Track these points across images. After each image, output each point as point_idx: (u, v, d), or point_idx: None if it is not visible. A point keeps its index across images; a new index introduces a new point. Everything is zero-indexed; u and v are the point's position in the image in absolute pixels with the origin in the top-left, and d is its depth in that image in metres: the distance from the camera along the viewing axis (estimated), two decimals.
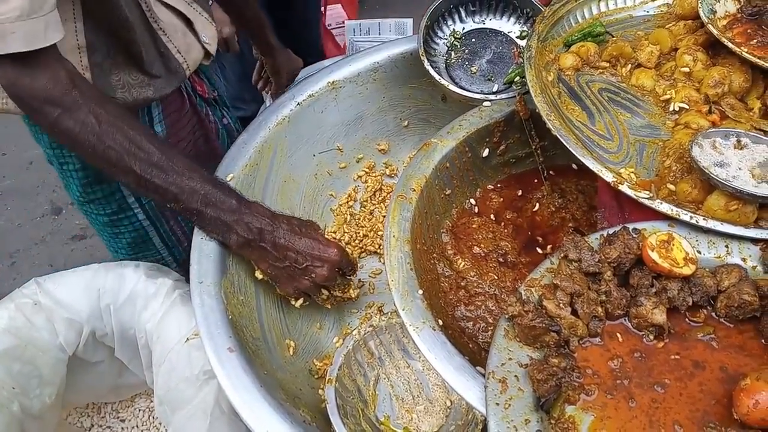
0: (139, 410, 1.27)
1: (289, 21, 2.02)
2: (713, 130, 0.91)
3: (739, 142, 0.89)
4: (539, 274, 0.83)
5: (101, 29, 0.98)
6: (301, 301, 1.05)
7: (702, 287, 0.79)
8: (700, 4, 1.04)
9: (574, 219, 1.13)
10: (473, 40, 1.25)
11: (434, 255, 1.06)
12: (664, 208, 0.85)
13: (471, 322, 1.01)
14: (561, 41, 1.13)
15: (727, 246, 0.84)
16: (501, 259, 1.09)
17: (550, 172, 1.17)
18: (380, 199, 1.33)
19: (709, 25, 1.01)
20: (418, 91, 1.34)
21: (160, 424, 1.26)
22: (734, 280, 0.79)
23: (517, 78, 1.16)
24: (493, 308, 1.02)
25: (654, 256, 0.80)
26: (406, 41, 1.32)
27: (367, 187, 1.33)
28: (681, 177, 0.90)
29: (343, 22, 2.20)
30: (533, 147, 1.13)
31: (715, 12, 1.05)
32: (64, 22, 0.92)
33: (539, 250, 1.10)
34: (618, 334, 0.79)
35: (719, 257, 0.84)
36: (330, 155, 1.31)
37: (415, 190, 1.01)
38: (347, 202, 1.32)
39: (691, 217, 0.84)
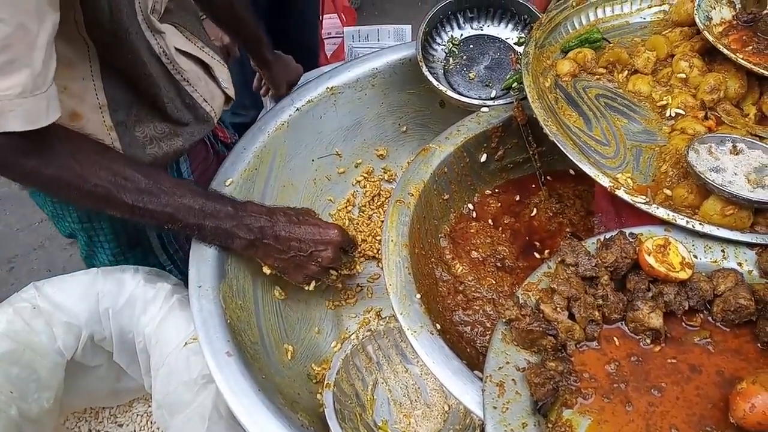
0: (137, 415, 1.27)
1: (288, 29, 2.04)
2: (709, 135, 0.91)
3: (734, 147, 0.89)
4: (536, 279, 0.84)
5: (121, 85, 0.96)
6: (313, 284, 1.06)
7: (698, 291, 0.80)
8: (696, 11, 1.05)
9: (571, 224, 1.14)
10: (471, 46, 1.26)
11: (432, 260, 1.07)
12: (661, 213, 0.86)
13: (469, 327, 1.01)
14: (558, 47, 1.14)
15: (723, 250, 0.85)
16: (499, 264, 1.09)
17: (548, 178, 1.18)
18: (378, 204, 1.33)
19: (705, 32, 1.02)
20: (416, 97, 1.35)
21: (158, 428, 1.25)
22: (730, 285, 0.80)
23: (515, 84, 1.16)
24: (491, 313, 1.02)
25: (650, 260, 0.80)
26: (404, 47, 1.33)
27: (366, 192, 1.34)
28: (677, 182, 0.91)
29: (338, 33, 2.22)
30: (531, 152, 1.14)
31: (711, 19, 1.06)
32: (82, 80, 0.92)
33: (537, 255, 1.10)
34: (615, 338, 0.80)
35: (715, 262, 0.84)
36: (329, 160, 1.32)
37: (413, 195, 1.01)
38: (346, 207, 1.33)
39: (687, 222, 0.85)
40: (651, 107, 1.04)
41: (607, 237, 0.85)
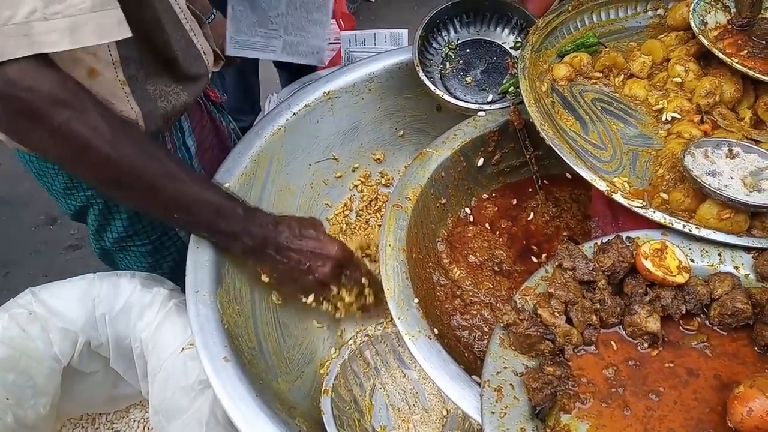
0: (134, 421, 1.27)
1: None
2: (705, 139, 0.92)
3: (730, 151, 0.90)
4: (534, 283, 0.84)
5: (133, 40, 0.94)
6: (312, 297, 1.05)
7: (695, 295, 0.80)
8: (691, 15, 1.05)
9: (568, 228, 1.14)
10: (468, 50, 1.26)
11: (430, 264, 1.07)
12: (658, 216, 0.86)
13: (467, 331, 1.01)
14: (554, 52, 1.14)
15: (719, 254, 0.85)
16: (496, 268, 1.09)
17: (545, 182, 1.18)
18: (376, 208, 1.33)
19: (701, 36, 1.02)
20: (413, 101, 1.35)
21: None
22: (727, 288, 0.80)
23: (512, 88, 1.17)
24: (489, 317, 1.02)
25: (648, 264, 0.80)
26: (401, 52, 1.33)
27: (363, 196, 1.34)
28: (674, 186, 0.91)
29: (337, 39, 2.22)
30: (527, 156, 1.14)
31: (706, 23, 1.07)
32: None
33: (534, 259, 1.10)
34: (612, 343, 0.80)
35: (712, 265, 0.84)
36: (326, 165, 1.32)
37: (410, 200, 1.01)
38: (343, 211, 1.33)
39: (684, 226, 0.85)
40: (647, 111, 1.04)
41: (604, 241, 0.85)
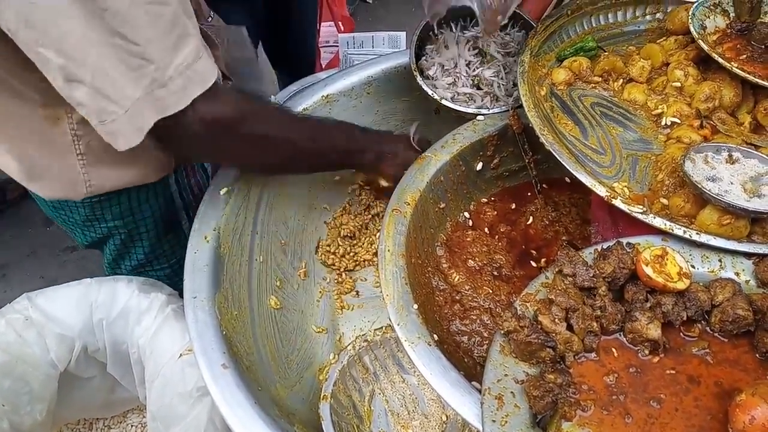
0: (131, 426, 1.26)
1: (286, 40, 2.05)
2: (705, 144, 0.91)
3: (730, 156, 0.89)
4: (534, 289, 0.83)
5: None
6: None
7: (696, 302, 0.80)
8: (690, 20, 1.05)
9: (567, 232, 1.14)
10: None
11: (429, 269, 1.06)
12: (658, 222, 0.86)
13: (466, 337, 1.01)
14: (553, 56, 1.14)
15: (720, 260, 0.85)
16: (495, 273, 1.09)
17: (544, 186, 1.17)
18: (375, 212, 1.33)
19: (700, 41, 1.02)
20: (411, 105, 1.34)
21: None
22: (728, 295, 0.80)
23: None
24: (488, 322, 1.02)
25: (648, 271, 0.80)
26: (399, 55, 1.33)
27: (362, 200, 1.33)
28: (674, 191, 0.91)
29: (336, 42, 2.21)
30: (526, 161, 1.14)
31: (706, 27, 1.07)
32: None
33: (533, 264, 1.10)
34: (613, 349, 0.79)
35: (713, 272, 0.84)
36: None
37: (409, 204, 1.01)
38: (342, 215, 1.32)
39: (684, 232, 0.85)
40: (646, 116, 1.04)
41: (604, 247, 0.85)
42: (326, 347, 1.15)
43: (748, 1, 1.07)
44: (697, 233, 0.85)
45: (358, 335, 1.12)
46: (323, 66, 2.38)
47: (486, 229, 1.15)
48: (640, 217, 0.86)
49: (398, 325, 0.85)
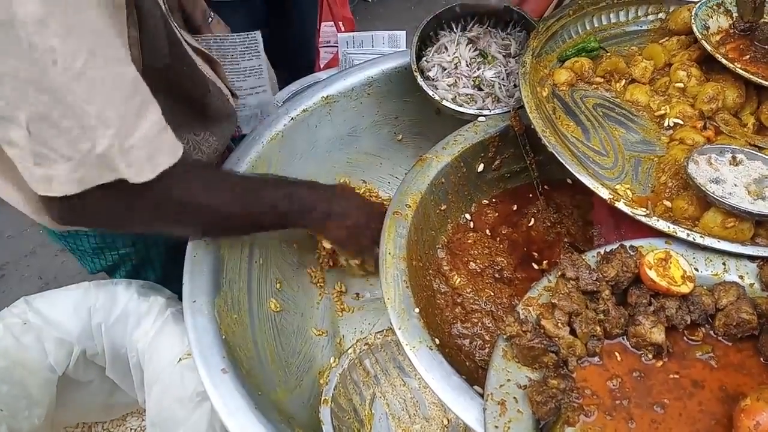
0: (131, 429, 1.25)
1: (286, 41, 2.04)
2: (708, 146, 0.91)
3: (734, 158, 0.89)
4: (537, 293, 0.83)
5: (162, 94, 0.94)
6: (357, 262, 1.11)
7: (700, 305, 0.79)
8: (693, 20, 1.05)
9: (569, 234, 1.13)
10: None
11: (430, 271, 1.05)
12: (661, 225, 0.85)
13: (468, 340, 1.00)
14: (555, 56, 1.13)
15: (724, 263, 0.84)
16: (497, 275, 1.08)
17: (545, 187, 1.16)
18: None
19: (703, 41, 1.01)
20: (411, 106, 1.33)
21: None
22: (732, 299, 0.79)
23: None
24: (490, 325, 1.01)
25: (652, 274, 0.79)
26: (399, 56, 1.32)
27: None
28: (677, 193, 0.90)
29: (336, 42, 2.20)
30: (528, 162, 1.13)
31: (708, 28, 1.06)
32: None
33: (535, 266, 1.09)
34: (616, 354, 0.79)
35: (717, 275, 0.83)
36: (324, 169, 1.30)
37: (410, 206, 1.00)
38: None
39: (688, 235, 0.84)
40: (649, 117, 1.03)
41: (607, 250, 0.84)
42: (326, 350, 1.14)
43: (752, 1, 1.06)
44: (700, 236, 0.84)
45: (359, 338, 1.11)
46: (322, 66, 2.37)
47: (487, 231, 1.14)
48: (644, 219, 0.85)
49: (399, 329, 0.85)
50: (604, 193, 0.88)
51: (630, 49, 1.13)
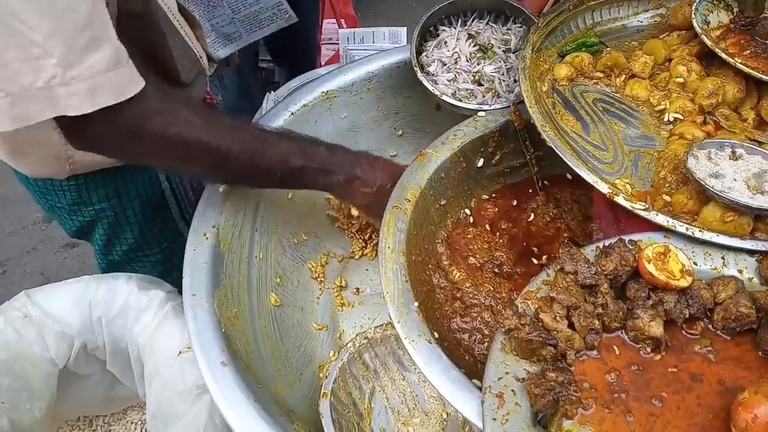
0: (131, 423, 1.26)
1: (289, 34, 2.03)
2: (708, 141, 0.91)
3: (734, 153, 0.89)
4: (535, 287, 0.83)
5: (133, 50, 0.95)
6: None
7: (699, 299, 0.79)
8: (693, 15, 1.04)
9: (569, 229, 1.13)
10: None
11: (429, 266, 1.05)
12: (660, 219, 0.85)
13: (467, 334, 1.00)
14: (555, 51, 1.13)
15: (723, 258, 0.84)
16: (496, 270, 1.08)
17: (545, 182, 1.16)
18: None
19: (703, 36, 1.01)
20: (412, 101, 1.33)
21: None
22: (731, 293, 0.79)
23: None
24: (489, 320, 1.01)
25: (650, 268, 0.79)
26: (400, 51, 1.32)
27: None
28: (676, 188, 0.90)
29: (338, 39, 2.21)
30: (528, 157, 1.13)
31: (709, 23, 1.06)
32: None
33: (535, 261, 1.09)
34: (615, 347, 0.79)
35: (715, 269, 0.83)
36: None
37: (410, 201, 1.00)
38: (342, 210, 1.31)
39: (687, 229, 0.84)
40: (649, 112, 1.03)
41: (606, 244, 0.84)
42: (326, 344, 1.14)
43: None
44: (699, 230, 0.84)
45: (359, 332, 1.12)
46: (323, 63, 2.37)
47: (487, 226, 1.14)
48: (643, 214, 0.86)
49: (398, 322, 0.85)
50: (604, 188, 0.89)
51: (630, 44, 1.13)
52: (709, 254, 0.84)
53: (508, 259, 1.09)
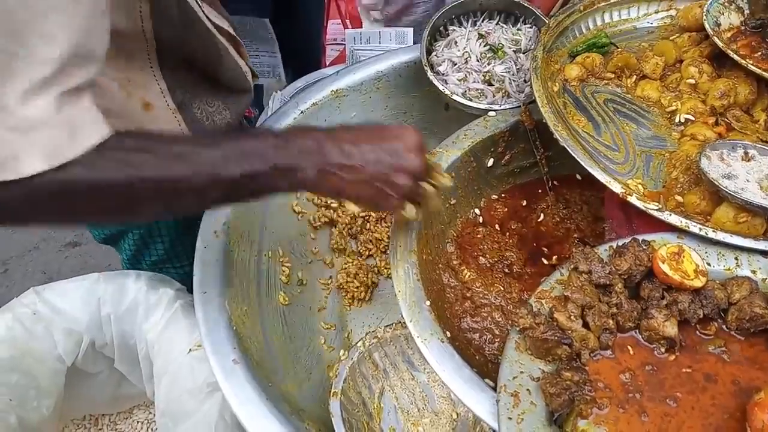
0: (138, 422, 1.25)
1: (291, 38, 2.04)
2: (720, 142, 0.91)
3: (746, 154, 0.89)
4: (549, 286, 0.83)
5: (175, 66, 0.92)
6: (412, 209, 0.82)
7: (713, 300, 0.79)
8: (705, 17, 1.05)
9: (578, 229, 1.13)
10: None
11: (439, 265, 1.05)
12: (674, 219, 0.85)
13: (477, 334, 1.00)
14: (566, 52, 1.13)
15: (736, 258, 0.84)
16: (506, 270, 1.08)
17: (555, 182, 1.16)
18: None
19: (715, 38, 1.01)
20: (421, 100, 1.33)
21: None
22: (745, 293, 0.79)
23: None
24: (500, 320, 1.01)
25: (665, 268, 0.79)
26: (409, 50, 1.32)
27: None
28: (689, 188, 0.90)
29: (343, 39, 2.20)
30: (538, 157, 1.13)
31: (720, 24, 1.06)
32: (141, 70, 0.89)
33: (544, 261, 1.09)
34: (629, 347, 0.79)
35: (729, 269, 0.83)
36: None
37: None
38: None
39: (700, 229, 0.84)
40: (660, 113, 1.03)
41: (620, 244, 0.84)
42: (335, 343, 1.14)
43: None
44: (713, 231, 0.84)
45: (368, 332, 1.11)
46: (328, 64, 2.37)
47: (497, 226, 1.14)
48: (656, 214, 0.85)
49: (411, 321, 0.85)
50: (617, 188, 0.88)
51: (641, 46, 1.13)
52: (723, 255, 0.84)
53: (518, 259, 1.09)
